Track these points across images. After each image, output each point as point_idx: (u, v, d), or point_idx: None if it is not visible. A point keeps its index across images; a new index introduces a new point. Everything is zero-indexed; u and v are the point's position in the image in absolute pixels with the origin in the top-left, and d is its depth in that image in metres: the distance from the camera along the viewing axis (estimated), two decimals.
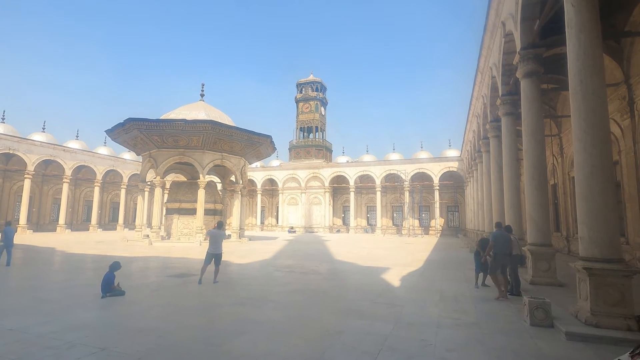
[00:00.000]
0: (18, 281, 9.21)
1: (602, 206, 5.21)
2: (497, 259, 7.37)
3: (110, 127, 22.10)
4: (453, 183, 37.97)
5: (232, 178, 27.06)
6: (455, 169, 37.12)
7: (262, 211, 47.37)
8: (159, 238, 22.09)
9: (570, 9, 5.75)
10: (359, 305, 6.84)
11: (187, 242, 21.58)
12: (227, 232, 23.73)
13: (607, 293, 5.00)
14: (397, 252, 18.17)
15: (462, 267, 12.39)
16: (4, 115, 31.51)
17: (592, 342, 4.70)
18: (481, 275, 8.67)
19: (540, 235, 8.66)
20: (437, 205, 37.37)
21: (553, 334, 5.06)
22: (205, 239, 20.33)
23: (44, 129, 34.86)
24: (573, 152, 16.95)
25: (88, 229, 36.09)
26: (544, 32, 9.24)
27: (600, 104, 5.45)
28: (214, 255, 8.94)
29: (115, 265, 7.70)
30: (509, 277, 7.55)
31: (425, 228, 39.33)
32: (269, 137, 24.76)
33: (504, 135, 12.55)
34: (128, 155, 40.66)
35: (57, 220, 33.98)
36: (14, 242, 12.48)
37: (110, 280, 7.37)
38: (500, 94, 12.44)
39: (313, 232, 41.24)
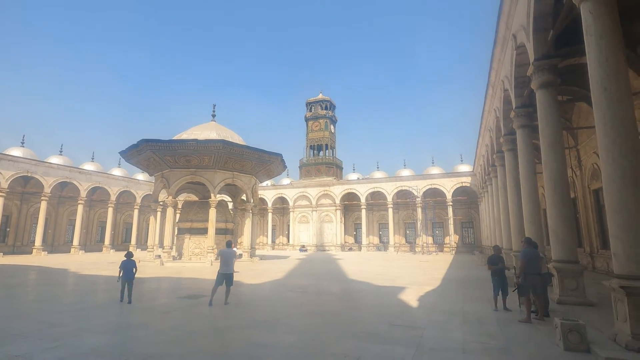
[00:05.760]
0: (27, 304, 9.11)
1: (637, 219, 4.87)
2: (528, 279, 6.91)
3: (124, 149, 22.50)
4: (467, 199, 37.24)
5: (243, 197, 27.05)
6: (468, 184, 36.47)
7: (273, 230, 47.11)
8: (170, 258, 21.97)
9: (588, 16, 5.59)
10: (377, 328, 6.50)
11: (198, 262, 21.39)
12: (239, 252, 23.51)
13: None
14: (412, 271, 17.63)
15: (482, 286, 11.85)
16: (23, 140, 32.49)
17: None
18: (500, 296, 8.07)
19: (565, 251, 8.21)
20: (450, 221, 36.56)
21: None
22: (216, 259, 20.14)
23: (61, 152, 35.72)
24: (592, 164, 16.33)
25: (101, 250, 36.31)
26: (557, 42, 9.08)
27: (626, 111, 5.20)
28: (225, 276, 8.70)
29: (130, 254, 8.96)
30: (532, 297, 7.02)
31: (440, 245, 38.40)
32: (280, 155, 24.82)
33: (519, 148, 12.24)
34: (141, 176, 41.28)
35: (72, 242, 34.34)
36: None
37: (131, 269, 8.65)
38: (513, 106, 12.20)
39: (325, 250, 40.67)
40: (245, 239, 25.54)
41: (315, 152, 46.69)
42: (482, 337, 5.81)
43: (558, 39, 8.86)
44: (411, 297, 9.74)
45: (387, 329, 6.40)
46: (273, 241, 46.59)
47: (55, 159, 33.92)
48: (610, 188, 5.22)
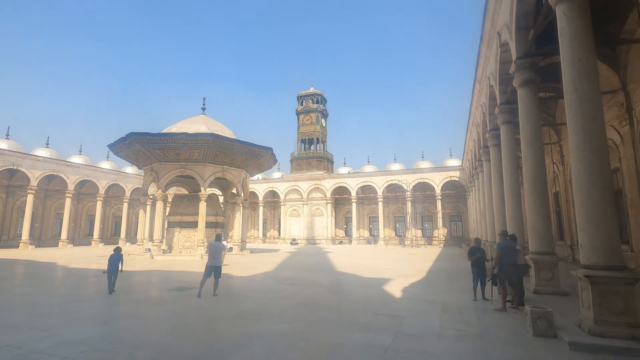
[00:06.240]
0: (17, 297, 9.16)
1: (602, 213, 5.16)
2: (504, 270, 7.23)
3: (112, 142, 22.31)
4: (455, 193, 37.82)
5: (234, 190, 27.09)
6: (457, 179, 37.03)
7: (264, 223, 47.24)
8: (161, 252, 22.01)
9: (562, 18, 5.83)
10: (361, 317, 6.76)
11: (188, 255, 21.48)
12: (229, 245, 23.62)
13: (610, 301, 4.92)
14: (400, 263, 18.01)
15: (465, 277, 12.16)
16: (8, 132, 31.90)
17: (597, 352, 4.61)
18: (479, 287, 8.41)
19: (542, 243, 8.57)
20: (439, 215, 37.16)
21: (557, 345, 4.96)
22: (206, 252, 20.25)
23: (47, 144, 35.15)
24: None
25: (90, 244, 36.03)
26: (539, 41, 9.32)
27: (596, 110, 5.46)
28: (214, 268, 8.87)
29: (118, 249, 9.43)
30: (508, 287, 7.36)
31: (428, 238, 39.05)
32: (270, 149, 24.87)
33: (503, 143, 12.56)
34: (130, 169, 40.86)
35: (60, 235, 33.98)
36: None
37: (117, 262, 8.97)
38: (498, 102, 12.49)
39: (315, 243, 41.00)
40: (235, 232, 25.65)
41: (306, 145, 46.74)
42: (459, 325, 6.11)
43: (540, 37, 9.09)
44: (396, 289, 10.04)
45: (371, 318, 6.66)
46: (264, 234, 46.74)
47: (41, 152, 33.37)
48: (579, 184, 5.50)
